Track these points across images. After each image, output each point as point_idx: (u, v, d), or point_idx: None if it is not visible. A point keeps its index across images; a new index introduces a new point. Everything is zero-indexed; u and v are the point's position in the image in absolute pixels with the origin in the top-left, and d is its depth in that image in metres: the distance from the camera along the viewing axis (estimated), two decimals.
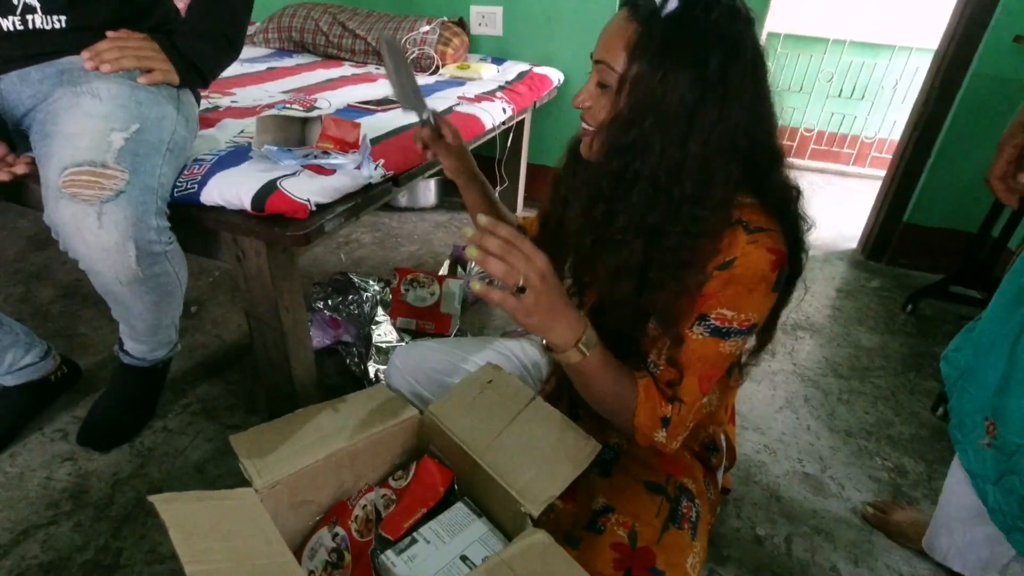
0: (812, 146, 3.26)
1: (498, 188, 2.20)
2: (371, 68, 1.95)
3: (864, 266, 2.14)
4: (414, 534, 0.74)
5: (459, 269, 1.71)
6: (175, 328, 1.14)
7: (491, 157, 2.15)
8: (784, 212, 0.71)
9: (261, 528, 0.65)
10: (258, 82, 1.62)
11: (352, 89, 1.61)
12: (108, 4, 0.96)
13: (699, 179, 0.65)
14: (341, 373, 1.39)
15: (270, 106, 1.39)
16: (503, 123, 1.62)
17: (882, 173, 2.27)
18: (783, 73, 3.12)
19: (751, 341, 0.75)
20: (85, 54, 0.93)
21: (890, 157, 2.21)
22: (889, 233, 2.13)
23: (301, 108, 1.41)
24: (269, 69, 1.80)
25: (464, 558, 0.72)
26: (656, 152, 0.64)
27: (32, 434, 1.17)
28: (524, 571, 0.64)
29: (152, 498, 0.61)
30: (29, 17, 0.91)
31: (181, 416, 1.24)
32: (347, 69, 1.90)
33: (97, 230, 0.82)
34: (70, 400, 1.24)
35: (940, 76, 1.90)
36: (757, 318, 0.70)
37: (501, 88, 1.75)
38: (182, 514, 0.63)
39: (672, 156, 0.64)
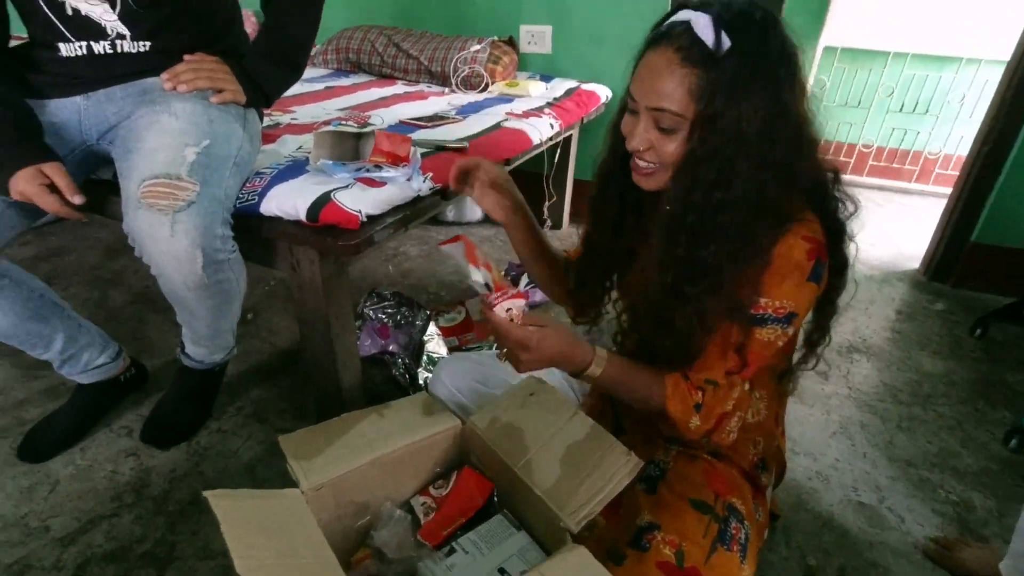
0: (871, 162, 3.13)
1: (545, 203, 2.21)
2: (423, 86, 2.00)
3: (927, 287, 2.04)
4: (453, 543, 0.75)
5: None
6: (232, 333, 1.20)
7: (538, 172, 2.17)
8: (820, 199, 0.72)
9: (306, 528, 0.68)
10: (317, 100, 1.69)
11: (404, 106, 1.67)
12: (186, 31, 1.03)
13: (777, 191, 0.66)
14: (386, 382, 1.42)
15: (327, 123, 1.45)
16: (550, 139, 1.63)
17: (947, 190, 2.16)
18: (840, 88, 3.03)
19: (791, 333, 0.74)
20: (164, 76, 1.01)
21: (956, 174, 2.11)
22: (955, 253, 2.02)
23: (356, 124, 1.47)
24: (327, 88, 1.88)
25: (502, 571, 0.72)
26: (742, 178, 0.65)
27: (101, 430, 1.24)
28: None
29: (207, 493, 0.64)
30: (119, 42, 0.99)
31: (235, 418, 1.30)
32: (400, 87, 1.97)
33: (169, 238, 0.87)
34: (136, 399, 1.32)
35: (1012, 89, 1.81)
36: (794, 307, 0.70)
37: (549, 104, 1.77)
38: (233, 510, 0.66)
39: (757, 177, 0.65)
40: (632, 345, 0.86)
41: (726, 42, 0.62)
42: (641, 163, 0.72)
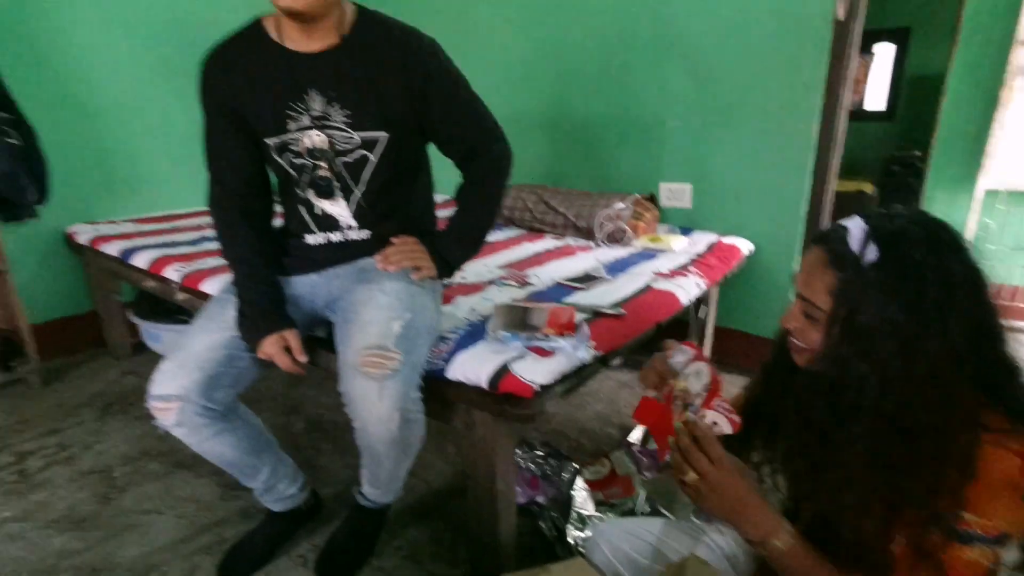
0: None
1: None
2: (569, 240, 2.19)
3: None
4: None
5: (650, 441, 1.73)
6: (404, 480, 1.31)
7: (682, 320, 2.21)
8: (1017, 402, 0.68)
9: None
10: (479, 257, 1.92)
11: (556, 264, 1.83)
12: (397, 222, 1.27)
13: (930, 406, 0.65)
14: (532, 533, 1.44)
15: (491, 282, 1.64)
16: (697, 298, 1.70)
17: None
18: (1005, 231, 2.82)
19: (1010, 556, 0.67)
20: (378, 258, 1.23)
21: None
22: None
23: (516, 283, 1.64)
24: (487, 244, 2.12)
25: None
26: (874, 386, 0.67)
27: (281, 557, 1.38)
28: None
29: None
30: (348, 232, 1.25)
31: (392, 558, 1.38)
32: (549, 242, 2.17)
33: (377, 402, 1.03)
34: (311, 527, 1.46)
35: None
36: (1007, 527, 0.64)
37: (693, 261, 1.86)
38: None
39: (894, 389, 0.66)
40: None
41: (871, 254, 0.66)
42: (793, 341, 0.78)
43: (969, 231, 2.81)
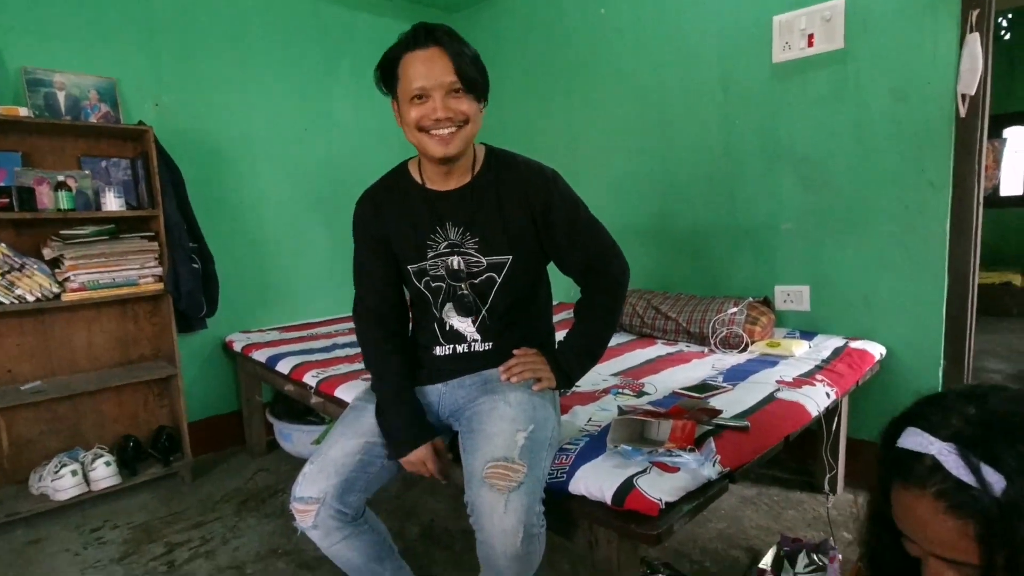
0: None
1: (827, 475, 2.00)
2: (681, 346, 2.16)
3: None
4: None
5: (785, 564, 1.57)
6: None
7: (812, 430, 2.04)
8: None
9: None
10: None
11: (670, 372, 1.81)
12: (520, 335, 1.34)
13: None
14: None
15: (606, 391, 1.64)
16: (828, 408, 1.58)
17: None
18: None
19: None
20: (501, 369, 1.30)
21: None
22: None
23: (632, 392, 1.63)
24: None
25: None
26: None
27: None
28: None
29: None
30: (473, 344, 1.33)
31: None
32: (660, 348, 2.15)
33: (503, 514, 1.04)
34: None
35: None
36: None
37: (819, 368, 1.75)
38: None
39: None
40: None
41: (994, 479, 0.53)
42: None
43: None
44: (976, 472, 0.54)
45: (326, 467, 1.23)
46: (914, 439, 0.59)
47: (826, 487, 2.01)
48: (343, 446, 1.26)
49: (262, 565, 1.81)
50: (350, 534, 1.26)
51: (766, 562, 1.62)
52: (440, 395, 1.35)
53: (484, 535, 1.09)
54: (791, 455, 2.13)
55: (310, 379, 1.96)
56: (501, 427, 1.15)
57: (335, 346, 2.33)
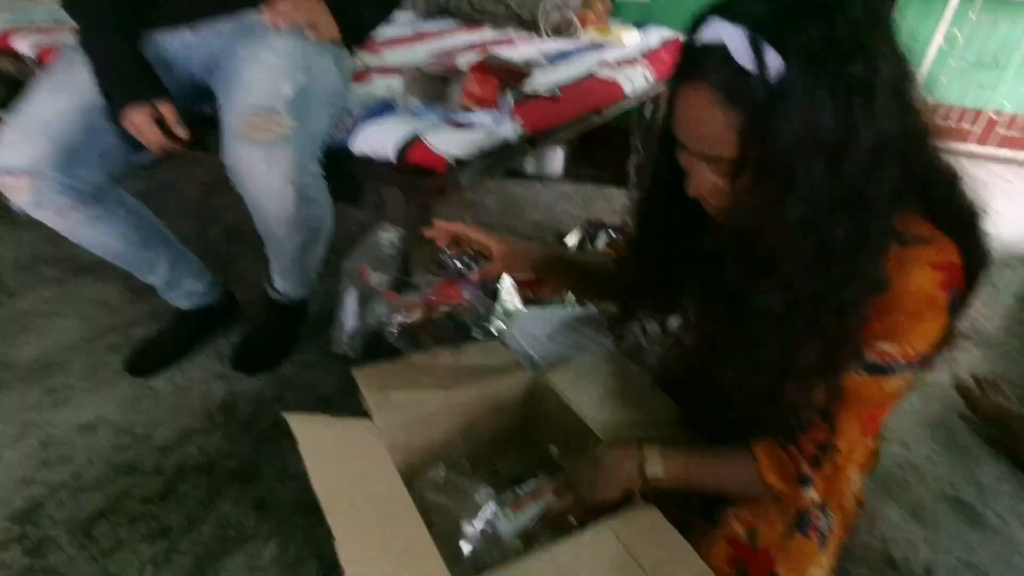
0: (1001, 131, 2.78)
1: (631, 161, 2.10)
2: (510, 32, 1.94)
3: None
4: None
5: (588, 244, 1.68)
6: (316, 271, 1.23)
7: (624, 128, 2.07)
8: (950, 213, 0.58)
9: (378, 457, 0.70)
10: (405, 44, 1.68)
11: (493, 52, 1.62)
12: None
13: (851, 226, 0.53)
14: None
15: (416, 68, 1.43)
16: (644, 92, 1.55)
17: None
18: (974, 45, 2.69)
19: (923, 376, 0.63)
20: (265, 12, 1.01)
21: None
22: None
23: (446, 71, 1.44)
24: (416, 33, 1.86)
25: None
26: (798, 221, 0.53)
27: (197, 354, 1.33)
28: (629, 541, 0.63)
29: (287, 416, 0.66)
30: None
31: (317, 354, 1.35)
32: (487, 33, 1.92)
33: (265, 171, 0.89)
34: (229, 328, 1.40)
35: None
36: (926, 347, 0.59)
37: (644, 55, 1.67)
38: (311, 435, 0.69)
39: (818, 219, 0.53)
40: (683, 372, 0.81)
41: (775, 64, 0.48)
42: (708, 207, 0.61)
43: (934, 44, 2.65)
44: (759, 54, 0.49)
45: (31, 130, 0.95)
46: (709, 28, 0.52)
47: (633, 175, 2.14)
48: (53, 105, 0.97)
49: (25, 273, 1.57)
50: (97, 216, 1.06)
51: (571, 241, 1.74)
52: (188, 46, 1.06)
53: (250, 197, 0.96)
54: (609, 156, 2.19)
55: (27, 49, 1.48)
56: (262, 75, 0.94)
57: None
